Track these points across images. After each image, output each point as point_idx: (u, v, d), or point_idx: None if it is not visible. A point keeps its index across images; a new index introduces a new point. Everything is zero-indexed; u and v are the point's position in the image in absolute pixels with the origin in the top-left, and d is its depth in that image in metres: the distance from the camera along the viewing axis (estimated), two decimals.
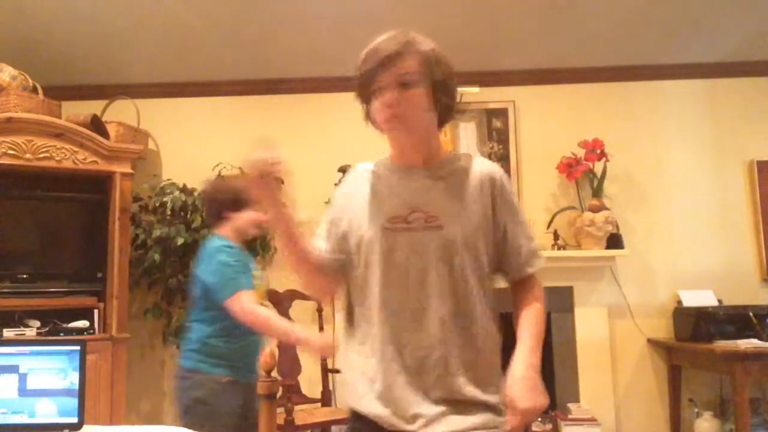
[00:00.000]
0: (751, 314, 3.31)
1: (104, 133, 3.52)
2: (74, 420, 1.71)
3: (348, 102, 4.66)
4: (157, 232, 3.53)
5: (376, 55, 1.32)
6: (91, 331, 3.32)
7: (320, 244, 1.46)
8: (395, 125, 1.33)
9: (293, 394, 3.02)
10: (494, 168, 1.43)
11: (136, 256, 3.64)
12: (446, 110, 1.38)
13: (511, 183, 1.48)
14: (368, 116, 1.41)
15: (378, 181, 1.42)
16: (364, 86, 1.36)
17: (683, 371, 3.69)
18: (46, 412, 1.71)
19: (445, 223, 1.30)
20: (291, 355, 3.38)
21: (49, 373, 1.73)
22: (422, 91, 1.32)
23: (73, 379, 1.74)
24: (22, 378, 1.72)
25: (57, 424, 1.70)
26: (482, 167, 1.42)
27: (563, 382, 3.71)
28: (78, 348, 1.76)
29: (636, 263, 3.84)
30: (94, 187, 3.58)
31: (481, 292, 1.32)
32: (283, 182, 1.32)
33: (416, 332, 1.29)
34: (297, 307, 3.51)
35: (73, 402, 1.72)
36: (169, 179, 3.82)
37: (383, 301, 1.31)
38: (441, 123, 1.39)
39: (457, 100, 1.40)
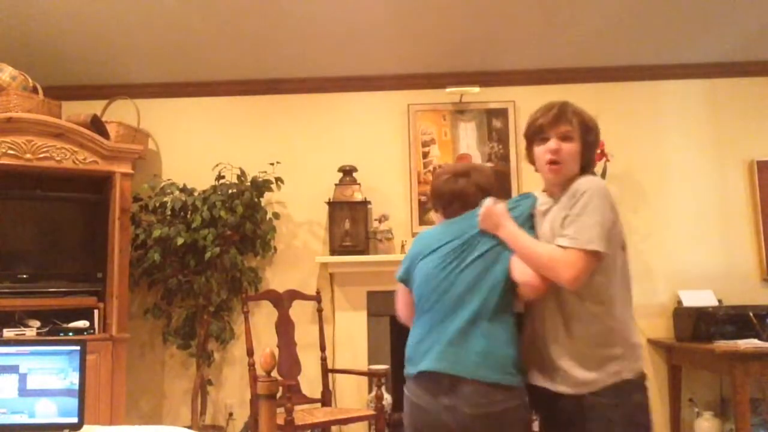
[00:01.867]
0: (751, 314, 3.31)
1: (104, 133, 3.52)
2: (74, 420, 1.71)
3: (348, 102, 4.67)
4: (157, 232, 3.53)
5: (548, 113, 1.77)
6: (91, 331, 3.32)
7: None
8: (554, 168, 1.73)
9: (293, 394, 3.02)
10: (585, 186, 1.69)
11: (136, 256, 3.64)
12: (588, 162, 1.82)
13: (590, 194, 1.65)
14: (529, 156, 1.84)
15: None
16: (534, 134, 1.79)
17: (683, 371, 3.69)
18: (46, 412, 1.71)
19: None
20: (291, 355, 3.38)
21: (49, 373, 1.73)
22: (577, 146, 1.77)
23: (73, 379, 1.74)
24: (22, 378, 1.72)
25: (57, 424, 1.70)
26: (578, 188, 1.70)
27: None
28: (78, 348, 1.76)
29: (636, 263, 3.82)
30: (94, 187, 3.58)
31: None
32: None
33: None
34: (297, 307, 3.52)
35: (73, 402, 1.72)
36: (169, 179, 3.82)
37: None
38: (582, 171, 1.78)
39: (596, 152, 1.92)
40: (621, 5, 3.42)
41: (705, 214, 3.91)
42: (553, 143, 1.72)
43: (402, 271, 1.85)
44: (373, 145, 3.96)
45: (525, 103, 4.02)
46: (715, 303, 3.62)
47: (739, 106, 3.98)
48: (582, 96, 3.99)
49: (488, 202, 1.75)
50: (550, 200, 1.77)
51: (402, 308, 1.88)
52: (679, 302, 3.69)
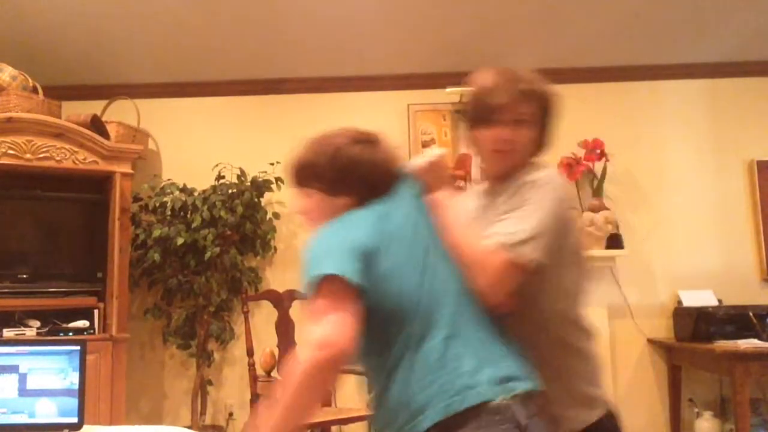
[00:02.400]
0: (751, 314, 3.31)
1: (104, 133, 3.52)
2: (74, 420, 1.71)
3: (348, 102, 4.68)
4: (157, 232, 3.53)
5: (498, 94, 1.42)
6: (91, 331, 3.32)
7: None
8: (500, 157, 1.45)
9: None
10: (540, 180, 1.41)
11: (136, 256, 3.64)
12: (543, 146, 1.52)
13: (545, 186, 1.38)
14: (471, 138, 1.52)
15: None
16: (481, 113, 1.45)
17: (683, 371, 3.69)
18: (46, 412, 1.71)
19: None
20: (291, 355, 3.37)
21: (49, 373, 1.73)
22: (532, 131, 1.45)
23: (73, 379, 1.74)
24: (22, 378, 1.72)
25: (57, 424, 1.70)
26: (531, 180, 1.42)
27: None
28: (78, 348, 1.76)
29: (636, 263, 3.84)
30: (94, 187, 3.58)
31: None
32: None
33: None
34: (297, 307, 3.51)
35: (73, 402, 1.72)
36: (169, 179, 3.82)
37: None
38: (533, 155, 1.50)
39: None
40: (621, 5, 3.42)
41: (705, 214, 3.91)
42: (506, 132, 1.41)
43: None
44: None
45: None
46: (715, 303, 3.62)
47: (739, 106, 3.98)
48: (582, 96, 4.01)
49: (436, 151, 1.48)
50: (483, 191, 1.53)
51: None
52: (679, 302, 3.69)
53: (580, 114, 4.00)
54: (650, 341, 3.79)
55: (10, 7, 3.36)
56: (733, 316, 3.35)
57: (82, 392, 1.73)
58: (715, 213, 3.91)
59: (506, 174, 1.46)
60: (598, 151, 3.77)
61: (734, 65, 3.98)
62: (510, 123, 1.41)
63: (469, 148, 1.61)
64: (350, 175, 1.38)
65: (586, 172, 3.79)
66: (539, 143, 1.50)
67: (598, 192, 3.78)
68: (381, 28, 3.59)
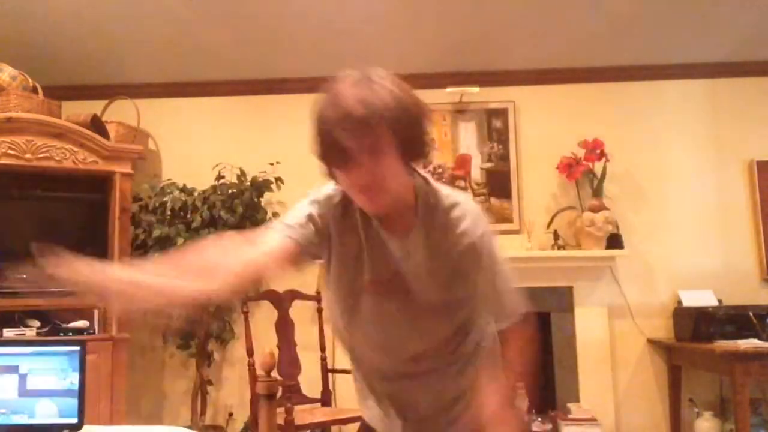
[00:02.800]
0: (751, 314, 3.31)
1: (104, 133, 3.52)
2: (74, 420, 1.70)
3: None
4: (157, 232, 3.53)
5: (339, 149, 1.16)
6: (91, 331, 3.32)
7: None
8: (370, 207, 1.24)
9: (293, 394, 3.02)
10: (475, 232, 1.28)
11: (136, 256, 3.64)
12: (417, 157, 1.26)
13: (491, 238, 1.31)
14: (331, 177, 1.30)
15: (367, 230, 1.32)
16: (327, 153, 1.22)
17: (683, 371, 3.69)
18: (46, 412, 1.71)
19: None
20: (291, 355, 3.38)
21: (49, 373, 1.73)
22: (392, 156, 1.17)
23: (73, 379, 1.73)
24: (22, 378, 1.72)
25: (57, 424, 1.70)
26: (461, 227, 1.28)
27: (563, 382, 3.71)
28: (78, 348, 1.75)
29: (636, 263, 3.84)
30: (94, 187, 3.57)
31: None
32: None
33: None
34: (297, 307, 3.52)
35: (73, 402, 1.72)
36: (169, 179, 3.82)
37: None
38: (410, 166, 1.26)
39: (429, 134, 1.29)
40: (621, 5, 3.42)
41: (705, 213, 3.91)
42: (360, 177, 1.15)
43: None
44: None
45: (525, 103, 4.02)
46: (715, 303, 3.62)
47: (739, 106, 3.98)
48: (582, 96, 4.01)
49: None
50: (382, 231, 1.29)
51: None
52: (679, 302, 3.69)
53: (580, 114, 4.00)
54: (650, 341, 3.79)
55: (10, 7, 3.35)
56: (733, 316, 3.35)
57: (82, 393, 1.73)
58: (715, 213, 3.91)
59: (396, 211, 1.26)
60: (598, 151, 3.77)
61: (734, 65, 3.98)
62: (364, 160, 1.13)
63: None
64: None
65: (586, 172, 3.79)
66: (408, 164, 1.23)
67: (598, 192, 3.78)
68: (381, 28, 3.59)
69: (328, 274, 1.34)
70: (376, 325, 1.32)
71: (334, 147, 1.16)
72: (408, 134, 1.19)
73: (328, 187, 1.36)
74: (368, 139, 1.13)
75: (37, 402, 1.71)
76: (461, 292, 1.30)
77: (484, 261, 1.27)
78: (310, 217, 1.30)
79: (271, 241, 1.25)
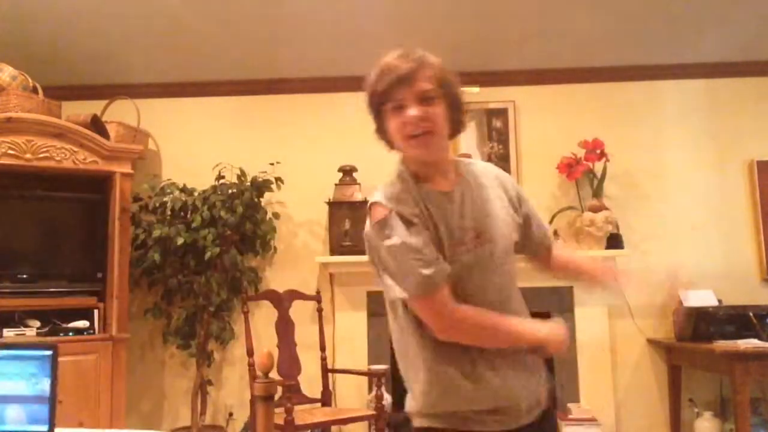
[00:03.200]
0: (751, 314, 3.31)
1: (104, 133, 3.52)
2: (44, 428, 1.63)
3: (348, 102, 4.67)
4: (157, 232, 3.53)
5: (393, 71, 1.32)
6: (91, 331, 3.32)
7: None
8: (421, 142, 1.32)
9: (293, 394, 3.02)
10: (500, 170, 1.56)
11: (136, 256, 3.64)
12: (457, 125, 1.40)
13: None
14: (381, 134, 1.42)
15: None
16: (380, 104, 1.35)
17: (683, 371, 3.69)
18: (16, 419, 1.64)
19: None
20: (291, 355, 3.38)
21: (19, 378, 1.66)
22: (442, 108, 1.33)
23: (44, 385, 1.66)
24: None
25: None
26: (493, 171, 1.53)
27: (563, 382, 3.71)
28: (50, 353, 1.68)
29: (636, 263, 3.83)
30: (94, 187, 3.57)
31: None
32: None
33: None
34: (297, 307, 3.52)
35: (44, 409, 1.66)
36: (169, 179, 3.82)
37: None
38: (451, 137, 1.41)
39: (465, 112, 1.42)
40: (621, 5, 3.42)
41: (705, 214, 3.90)
42: (413, 110, 1.30)
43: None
44: (373, 145, 3.93)
45: (525, 103, 4.02)
46: (715, 303, 3.61)
47: (739, 106, 3.98)
48: (582, 96, 4.01)
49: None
50: (436, 191, 1.37)
51: None
52: (679, 302, 3.69)
53: (580, 114, 4.00)
54: (650, 341, 3.79)
55: (9, 7, 3.36)
56: (733, 316, 3.35)
57: (53, 399, 1.66)
58: (715, 213, 3.91)
59: (436, 165, 1.39)
60: (598, 151, 3.77)
61: (733, 65, 3.98)
62: (416, 102, 1.30)
63: (388, 148, 1.45)
64: None
65: (586, 172, 3.79)
66: (453, 123, 1.38)
67: (598, 192, 3.78)
68: (381, 28, 3.59)
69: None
70: (485, 282, 1.37)
71: (394, 74, 1.30)
72: (452, 98, 1.35)
73: (385, 192, 1.39)
74: (426, 70, 1.31)
75: (6, 408, 1.65)
76: (521, 220, 1.51)
77: (523, 191, 1.54)
78: (417, 228, 1.32)
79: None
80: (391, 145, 1.42)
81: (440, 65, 1.35)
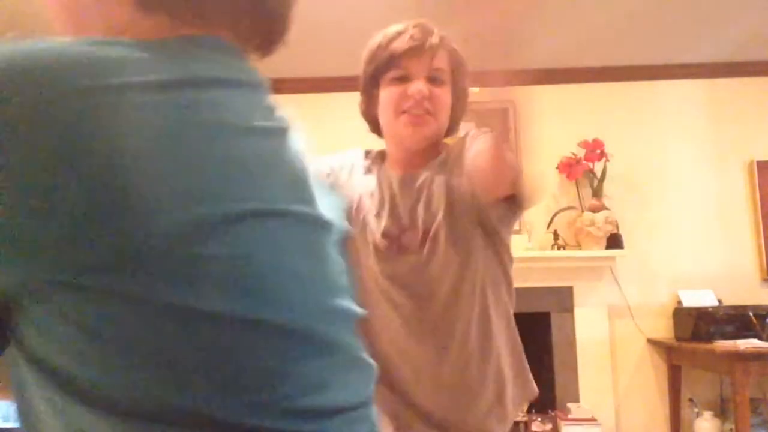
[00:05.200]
0: (751, 314, 3.31)
1: None
2: None
3: (348, 102, 4.63)
4: None
5: (407, 38, 1.17)
6: None
7: None
8: (418, 120, 1.15)
9: None
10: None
11: None
12: (456, 123, 1.26)
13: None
14: (368, 107, 1.23)
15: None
16: (380, 72, 1.17)
17: (683, 371, 3.69)
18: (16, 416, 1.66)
19: None
20: None
21: None
22: (449, 96, 1.18)
23: None
24: None
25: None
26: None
27: (563, 382, 3.71)
28: None
29: (636, 263, 3.84)
30: None
31: None
32: None
33: None
34: None
35: None
36: None
37: None
38: (444, 135, 1.25)
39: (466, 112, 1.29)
40: (621, 5, 3.42)
41: (705, 214, 3.91)
42: (420, 85, 1.14)
43: None
44: (372, 145, 3.95)
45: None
46: (715, 303, 3.62)
47: (739, 106, 3.98)
48: (582, 96, 4.01)
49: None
50: (387, 182, 1.19)
51: None
52: (679, 302, 3.69)
53: (580, 114, 4.00)
54: (650, 341, 3.79)
55: (9, 6, 3.35)
56: (733, 316, 3.35)
57: None
58: (715, 213, 3.91)
59: (422, 153, 1.18)
60: (598, 151, 3.77)
61: (734, 65, 3.98)
62: (425, 77, 1.14)
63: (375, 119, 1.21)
64: None
65: (586, 172, 3.79)
66: (453, 120, 1.22)
67: (598, 192, 3.78)
68: (381, 28, 3.59)
69: None
70: None
71: (407, 41, 1.16)
72: (461, 91, 1.21)
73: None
74: (446, 49, 1.17)
75: (9, 405, 1.66)
76: None
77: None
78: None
79: None
80: (374, 124, 1.24)
81: (459, 52, 1.21)
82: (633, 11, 3.47)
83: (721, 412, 3.62)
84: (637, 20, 3.55)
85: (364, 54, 1.22)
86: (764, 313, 3.33)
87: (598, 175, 3.79)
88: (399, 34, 1.20)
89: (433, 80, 1.16)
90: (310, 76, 4.06)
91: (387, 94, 1.16)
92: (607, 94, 4.02)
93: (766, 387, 3.61)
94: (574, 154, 3.82)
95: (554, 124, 3.99)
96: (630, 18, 3.53)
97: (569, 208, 3.84)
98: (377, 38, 1.23)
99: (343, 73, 4.01)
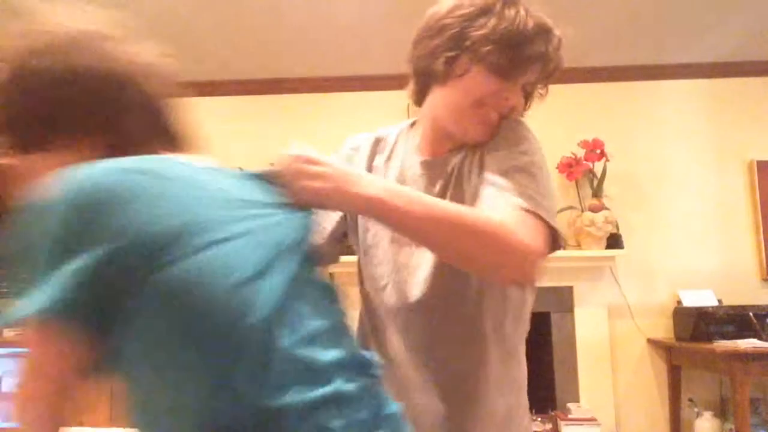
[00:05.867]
0: (751, 314, 3.31)
1: None
2: None
3: (348, 102, 4.67)
4: None
5: (539, 44, 1.08)
6: None
7: None
8: (496, 122, 1.08)
9: None
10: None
11: None
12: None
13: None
14: (433, 68, 1.08)
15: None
16: (491, 56, 1.01)
17: (683, 371, 3.69)
18: None
19: None
20: None
21: None
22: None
23: None
24: None
25: None
26: None
27: (563, 382, 3.71)
28: None
29: (636, 263, 3.84)
30: None
31: None
32: None
33: None
34: None
35: None
36: None
37: None
38: None
39: None
40: (621, 5, 3.41)
41: (705, 214, 3.91)
42: (521, 98, 1.12)
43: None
44: None
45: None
46: (715, 303, 3.62)
47: (739, 106, 3.98)
48: (582, 96, 4.01)
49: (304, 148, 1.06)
50: (430, 159, 1.12)
51: None
52: (679, 302, 3.69)
53: (580, 114, 4.00)
54: (650, 341, 3.79)
55: (9, 6, 3.35)
56: (733, 316, 3.35)
57: None
58: (715, 213, 3.91)
59: (451, 149, 1.11)
60: (598, 151, 3.77)
61: (734, 65, 3.98)
62: (521, 86, 1.08)
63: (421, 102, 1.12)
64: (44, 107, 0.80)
65: (586, 172, 3.79)
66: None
67: (598, 192, 3.78)
68: (381, 28, 3.59)
69: None
70: None
71: (524, 45, 1.07)
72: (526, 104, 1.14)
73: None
74: (531, 74, 1.09)
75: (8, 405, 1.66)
76: None
77: None
78: None
79: None
80: (424, 86, 1.10)
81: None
82: (633, 11, 3.47)
83: (721, 412, 3.62)
84: (637, 20, 3.55)
85: (480, 17, 1.06)
86: (764, 313, 3.33)
87: (598, 175, 3.79)
88: (531, 34, 1.10)
89: (523, 89, 1.11)
90: (310, 76, 4.06)
91: (481, 81, 1.04)
92: (607, 94, 4.02)
93: (766, 387, 3.61)
94: (574, 154, 3.81)
95: (554, 124, 3.99)
96: (630, 18, 3.53)
97: (569, 207, 3.84)
98: (510, 17, 1.07)
99: (343, 73, 4.01)
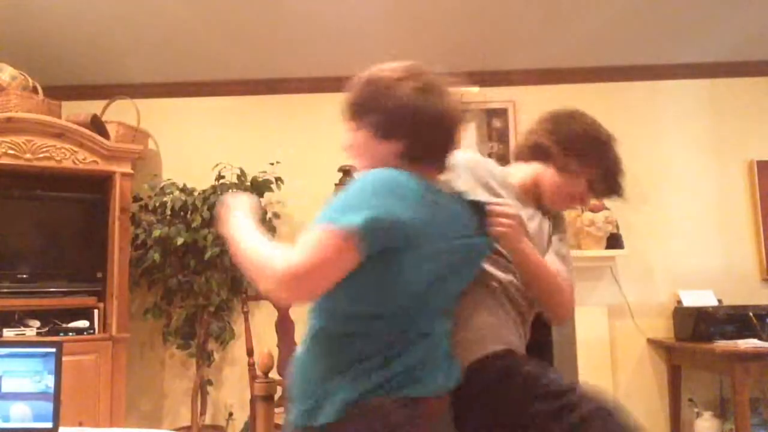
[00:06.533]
0: (751, 314, 3.31)
1: (104, 133, 3.52)
2: (48, 425, 1.65)
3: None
4: (157, 232, 3.53)
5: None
6: (91, 331, 3.32)
7: None
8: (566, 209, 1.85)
9: None
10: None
11: (136, 256, 3.64)
12: None
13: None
14: (566, 167, 1.68)
15: None
16: (591, 176, 1.71)
17: (683, 371, 3.69)
18: (21, 416, 1.66)
19: None
20: (291, 355, 3.37)
21: (24, 375, 1.68)
22: None
23: (49, 382, 1.67)
24: None
25: (31, 429, 1.65)
26: None
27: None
28: (54, 350, 1.70)
29: (636, 263, 3.84)
30: (94, 187, 3.58)
31: None
32: None
33: None
34: (297, 307, 3.51)
35: (48, 406, 1.67)
36: (169, 179, 3.82)
37: None
38: None
39: None
40: (621, 5, 3.41)
41: (705, 213, 3.90)
42: (590, 200, 1.81)
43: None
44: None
45: (525, 103, 4.02)
46: (715, 303, 3.62)
47: (739, 106, 3.98)
48: (582, 96, 4.01)
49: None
50: (524, 208, 1.70)
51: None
52: (679, 302, 3.69)
53: None
54: (650, 341, 3.79)
55: (9, 6, 3.35)
56: (733, 316, 3.35)
57: (57, 396, 1.67)
58: (715, 213, 3.91)
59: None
60: None
61: (734, 65, 3.98)
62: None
63: (553, 178, 1.72)
64: (404, 119, 1.28)
65: None
66: None
67: None
68: (381, 28, 3.59)
69: None
70: None
71: (618, 183, 1.70)
72: None
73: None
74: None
75: (11, 405, 1.66)
76: None
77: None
78: None
79: None
80: (527, 158, 1.76)
81: None
82: (633, 11, 3.46)
83: (721, 412, 3.62)
84: (637, 20, 3.55)
85: (599, 146, 1.72)
86: (764, 313, 3.33)
87: None
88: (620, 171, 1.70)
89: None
90: (310, 76, 4.06)
91: (577, 185, 1.71)
92: (607, 94, 4.02)
93: (766, 387, 3.61)
94: None
95: None
96: (630, 18, 3.52)
97: (569, 207, 3.83)
98: (615, 156, 1.70)
99: (343, 73, 4.00)
